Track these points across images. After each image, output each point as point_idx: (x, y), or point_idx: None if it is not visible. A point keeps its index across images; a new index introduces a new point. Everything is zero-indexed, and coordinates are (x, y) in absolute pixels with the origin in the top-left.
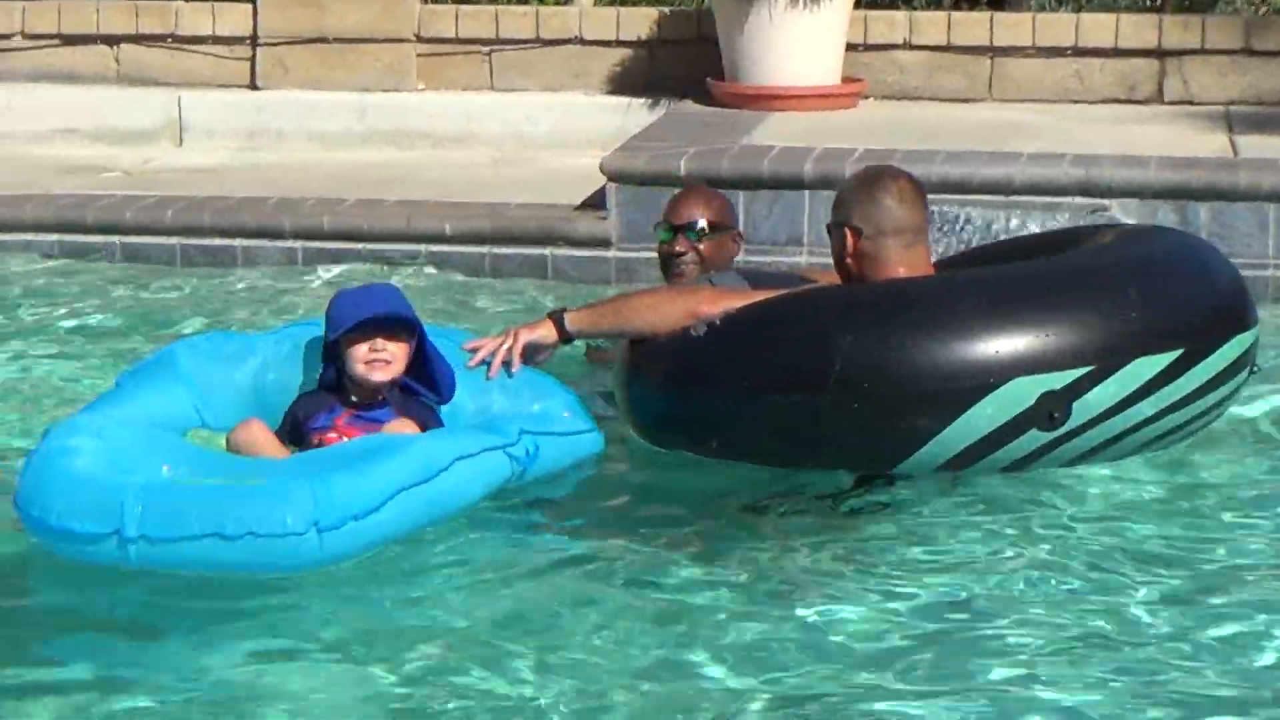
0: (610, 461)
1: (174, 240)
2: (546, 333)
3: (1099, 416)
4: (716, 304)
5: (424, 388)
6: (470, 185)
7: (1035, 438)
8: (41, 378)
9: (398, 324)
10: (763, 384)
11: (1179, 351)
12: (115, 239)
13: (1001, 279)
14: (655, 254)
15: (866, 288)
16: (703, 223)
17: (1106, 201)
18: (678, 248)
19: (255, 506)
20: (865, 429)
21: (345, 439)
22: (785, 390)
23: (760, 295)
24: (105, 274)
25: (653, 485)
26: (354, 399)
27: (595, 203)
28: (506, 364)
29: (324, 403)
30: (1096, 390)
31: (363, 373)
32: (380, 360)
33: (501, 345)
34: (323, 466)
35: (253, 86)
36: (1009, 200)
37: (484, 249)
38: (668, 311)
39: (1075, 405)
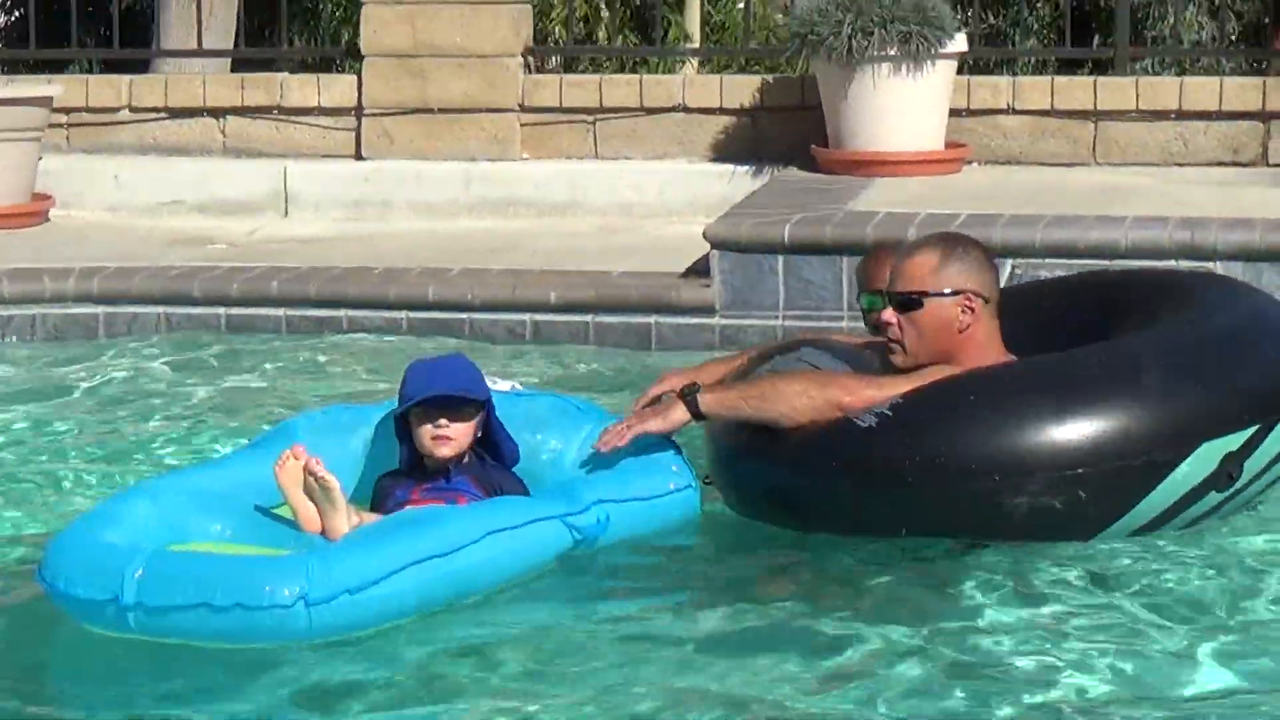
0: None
1: (280, 311)
2: (681, 417)
3: (1260, 472)
4: (857, 394)
5: (490, 456)
6: (576, 254)
7: (1213, 499)
8: (144, 446)
9: (462, 400)
10: (958, 472)
11: None
12: (221, 310)
13: (1170, 343)
14: (756, 327)
15: (1040, 365)
16: None
17: (1211, 264)
18: (884, 316)
19: (245, 578)
20: (1062, 507)
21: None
22: (983, 477)
23: (895, 381)
24: (211, 346)
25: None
26: (428, 470)
27: (699, 270)
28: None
29: (398, 481)
30: (1262, 446)
31: (429, 448)
32: (443, 437)
33: (629, 433)
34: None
35: (358, 157)
36: (1110, 264)
37: (588, 317)
38: (812, 399)
39: (1245, 463)
